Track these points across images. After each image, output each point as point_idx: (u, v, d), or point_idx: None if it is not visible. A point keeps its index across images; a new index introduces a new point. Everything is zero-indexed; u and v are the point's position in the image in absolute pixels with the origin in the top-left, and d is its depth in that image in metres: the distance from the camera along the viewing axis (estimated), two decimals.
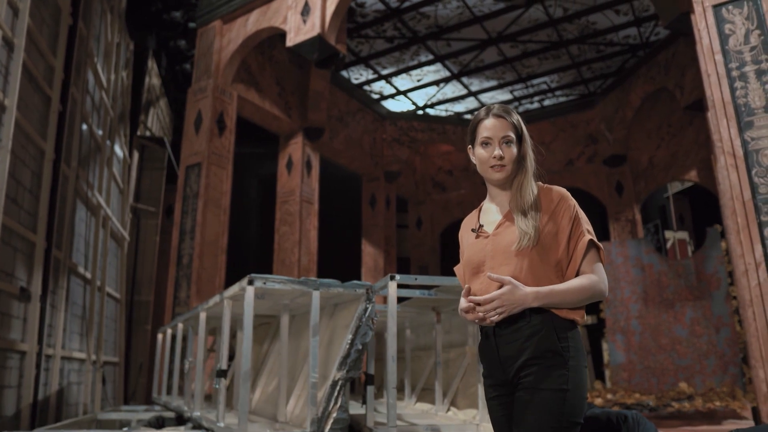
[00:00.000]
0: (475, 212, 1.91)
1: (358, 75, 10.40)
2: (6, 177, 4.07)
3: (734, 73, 4.51)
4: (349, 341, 2.76)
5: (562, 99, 11.33)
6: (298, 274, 8.53)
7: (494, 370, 1.73)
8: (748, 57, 4.50)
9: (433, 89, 10.95)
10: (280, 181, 9.21)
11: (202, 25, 8.25)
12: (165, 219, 9.45)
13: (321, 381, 2.80)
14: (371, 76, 10.43)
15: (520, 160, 1.78)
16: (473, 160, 1.84)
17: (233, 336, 4.53)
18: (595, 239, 1.73)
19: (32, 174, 4.86)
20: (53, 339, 5.36)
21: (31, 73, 4.75)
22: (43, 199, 4.97)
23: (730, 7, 4.60)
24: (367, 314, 2.82)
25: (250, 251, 11.21)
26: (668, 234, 11.06)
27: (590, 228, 1.75)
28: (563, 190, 1.78)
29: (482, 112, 1.82)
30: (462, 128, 11.73)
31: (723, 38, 4.60)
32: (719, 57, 4.61)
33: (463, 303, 1.71)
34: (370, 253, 11.07)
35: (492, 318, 1.64)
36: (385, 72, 10.27)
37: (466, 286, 1.75)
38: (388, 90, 10.97)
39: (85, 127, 6.20)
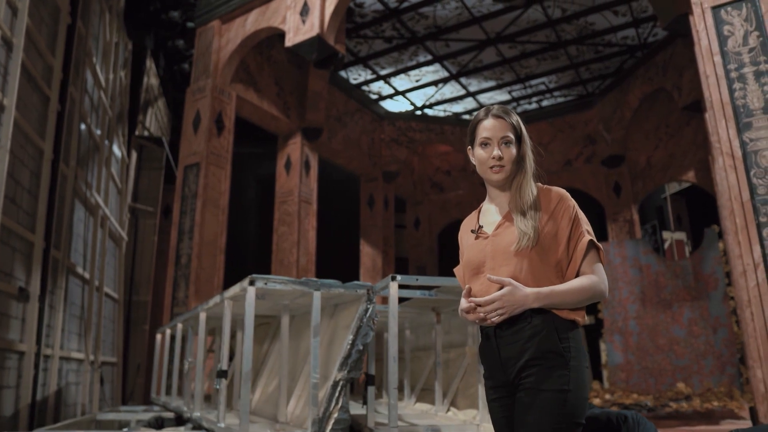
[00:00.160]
0: (474, 213, 1.91)
1: (356, 75, 10.41)
2: (5, 177, 4.06)
3: (733, 75, 4.53)
4: (350, 342, 2.77)
5: (560, 99, 11.35)
6: (296, 275, 8.53)
7: (495, 371, 1.73)
8: (747, 58, 4.51)
9: (431, 89, 10.96)
10: (278, 181, 9.20)
11: (201, 25, 8.24)
12: (163, 219, 9.43)
13: (322, 381, 2.80)
14: (370, 77, 10.44)
15: (519, 160, 1.78)
16: (473, 160, 1.84)
17: (233, 336, 4.53)
18: (595, 240, 1.73)
19: (31, 174, 4.85)
20: (51, 339, 5.35)
21: (30, 72, 4.74)
22: (41, 198, 4.96)
23: (729, 8, 4.62)
24: (368, 315, 2.82)
25: (249, 251, 11.21)
26: (666, 234, 11.09)
27: (590, 228, 1.75)
28: (563, 191, 1.78)
29: (481, 112, 1.82)
30: (460, 128, 11.74)
31: (722, 39, 4.61)
32: (718, 58, 4.63)
33: (464, 304, 1.71)
34: (368, 254, 11.07)
35: (493, 319, 1.65)
36: (383, 72, 10.27)
37: (467, 286, 1.75)
38: (386, 90, 10.97)
39: (83, 126, 6.19)
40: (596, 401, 7.40)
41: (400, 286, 2.90)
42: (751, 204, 4.25)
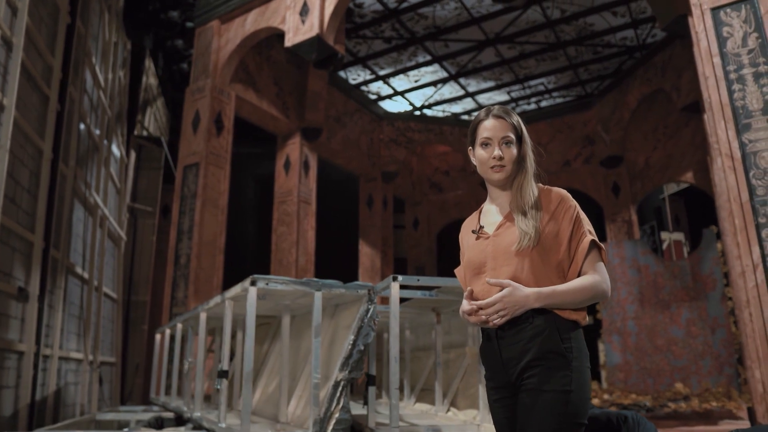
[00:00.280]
0: (475, 214, 1.91)
1: (355, 75, 10.41)
2: (4, 176, 4.06)
3: (732, 76, 4.54)
4: (351, 342, 2.77)
5: (559, 100, 11.36)
6: (295, 275, 8.53)
7: (497, 372, 1.73)
8: (746, 60, 4.53)
9: (430, 90, 10.97)
10: (277, 181, 9.20)
11: (200, 25, 8.24)
12: (161, 219, 9.43)
13: (323, 381, 2.81)
14: (369, 77, 10.44)
15: (520, 160, 1.78)
16: (473, 161, 1.84)
17: (232, 336, 4.53)
18: (597, 239, 1.73)
19: (30, 173, 4.84)
20: (51, 339, 5.34)
21: (30, 72, 4.73)
22: (41, 198, 4.95)
23: (728, 10, 4.63)
24: (369, 315, 2.82)
25: (248, 251, 11.20)
26: (664, 235, 11.11)
27: (591, 228, 1.75)
28: (564, 192, 1.78)
29: (482, 113, 1.82)
30: (459, 129, 11.75)
31: (721, 41, 4.63)
32: (717, 60, 4.64)
33: (466, 306, 1.70)
34: (367, 254, 11.08)
35: (495, 321, 1.64)
36: (382, 72, 10.28)
37: (469, 288, 1.75)
38: (385, 90, 10.98)
39: (82, 126, 6.18)
40: (595, 401, 7.42)
41: (401, 287, 2.90)
42: (750, 205, 4.26)
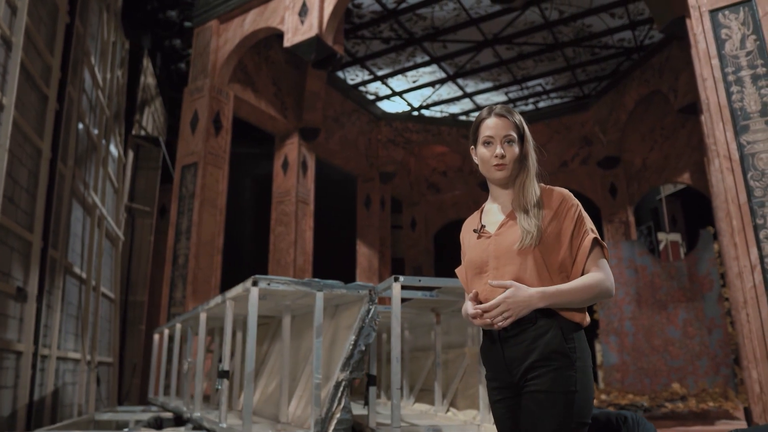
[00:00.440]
0: (476, 213, 1.90)
1: (353, 76, 10.41)
2: (3, 176, 4.05)
3: (730, 78, 4.56)
4: (352, 342, 2.77)
5: (556, 101, 11.39)
6: (293, 275, 8.53)
7: (499, 372, 1.72)
8: (744, 62, 4.55)
9: (428, 90, 10.98)
10: (275, 181, 9.20)
11: (199, 25, 8.23)
12: (159, 219, 9.41)
13: (324, 381, 2.81)
14: (367, 77, 10.45)
15: (521, 159, 1.78)
16: (475, 160, 1.84)
17: (232, 336, 4.53)
18: (599, 238, 1.73)
19: (29, 173, 4.83)
20: (49, 339, 5.33)
21: (29, 71, 4.73)
22: (39, 198, 4.94)
23: (727, 12, 4.65)
24: (370, 315, 2.83)
25: (246, 251, 11.19)
26: (661, 236, 11.15)
27: (593, 227, 1.75)
28: (566, 191, 1.78)
29: (484, 111, 1.82)
30: (457, 129, 11.76)
31: (719, 43, 4.65)
32: (716, 61, 4.66)
33: (470, 309, 1.69)
34: (364, 254, 11.08)
35: (499, 323, 1.64)
36: (380, 73, 10.29)
37: (474, 291, 1.74)
38: (383, 91, 10.99)
39: (81, 126, 6.18)
40: None
41: (402, 287, 2.90)
42: (748, 206, 4.28)
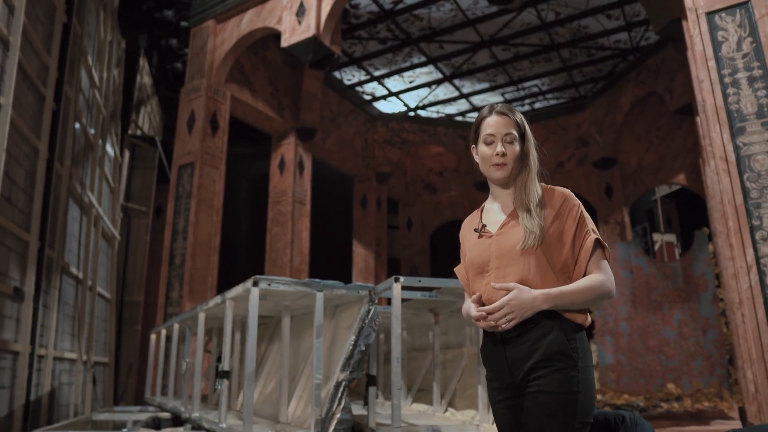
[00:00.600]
0: (476, 212, 1.90)
1: (350, 76, 10.42)
2: (1, 176, 4.04)
3: (727, 80, 4.59)
4: (352, 342, 2.78)
5: (552, 102, 11.43)
6: (290, 275, 8.53)
7: (501, 372, 1.72)
8: (741, 64, 4.58)
9: (424, 91, 11.00)
10: (272, 181, 9.20)
11: (196, 25, 8.22)
12: (155, 219, 9.39)
13: (323, 382, 2.82)
14: (364, 77, 10.45)
15: (523, 158, 1.77)
16: (476, 158, 1.83)
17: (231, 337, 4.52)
18: (601, 239, 1.73)
19: (26, 173, 4.82)
20: (45, 339, 5.31)
21: (26, 71, 4.71)
22: (36, 198, 4.93)
23: (723, 14, 4.68)
24: (370, 316, 2.83)
25: (242, 251, 11.18)
26: (656, 236, 11.20)
27: (594, 228, 1.76)
28: (567, 191, 1.78)
29: (485, 110, 1.82)
30: (453, 130, 11.79)
31: (716, 45, 4.68)
32: (712, 63, 4.69)
33: (473, 312, 1.69)
34: (360, 254, 11.09)
35: (504, 326, 1.64)
36: (377, 73, 10.30)
37: (478, 294, 1.73)
38: (380, 91, 11.00)
39: (78, 125, 6.16)
40: None
41: (402, 288, 2.91)
42: (744, 208, 4.32)
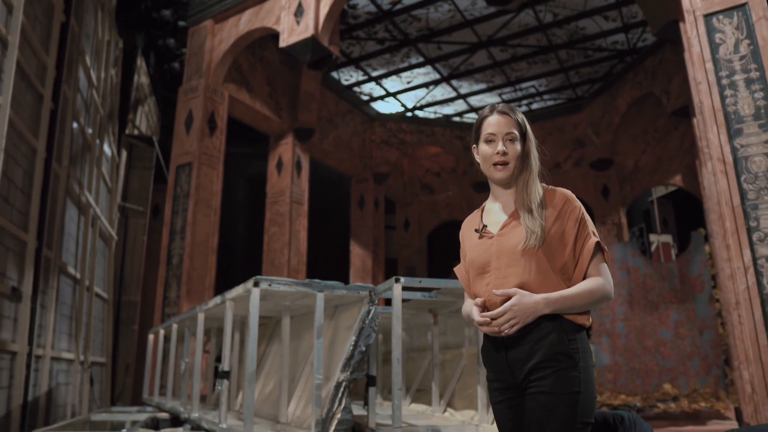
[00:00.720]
0: (477, 212, 1.90)
1: (348, 76, 10.42)
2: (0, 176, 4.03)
3: (724, 82, 4.62)
4: (352, 343, 2.78)
5: (550, 103, 11.46)
6: (287, 275, 8.52)
7: (501, 373, 1.72)
8: (738, 66, 4.61)
9: (422, 91, 11.01)
10: (269, 181, 9.19)
11: (194, 24, 8.21)
12: (152, 219, 9.37)
13: (324, 382, 2.82)
14: (361, 78, 10.46)
15: (524, 158, 1.78)
16: (477, 158, 1.83)
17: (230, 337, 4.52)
18: (601, 241, 1.74)
19: (24, 173, 4.81)
20: (43, 339, 5.30)
21: (24, 70, 4.70)
22: (34, 197, 4.92)
23: (721, 16, 4.71)
24: (370, 316, 2.84)
25: (239, 251, 11.17)
26: (652, 237, 11.24)
27: (595, 230, 1.76)
28: (569, 192, 1.78)
29: (486, 110, 1.82)
30: (451, 130, 11.80)
31: (713, 47, 4.70)
32: (709, 65, 4.71)
33: (476, 316, 1.68)
34: (358, 254, 11.09)
35: (506, 331, 1.64)
36: (375, 74, 10.30)
37: (482, 299, 1.72)
38: (377, 92, 11.00)
39: (75, 125, 6.14)
40: None
41: (402, 288, 2.92)
42: (741, 209, 4.34)
